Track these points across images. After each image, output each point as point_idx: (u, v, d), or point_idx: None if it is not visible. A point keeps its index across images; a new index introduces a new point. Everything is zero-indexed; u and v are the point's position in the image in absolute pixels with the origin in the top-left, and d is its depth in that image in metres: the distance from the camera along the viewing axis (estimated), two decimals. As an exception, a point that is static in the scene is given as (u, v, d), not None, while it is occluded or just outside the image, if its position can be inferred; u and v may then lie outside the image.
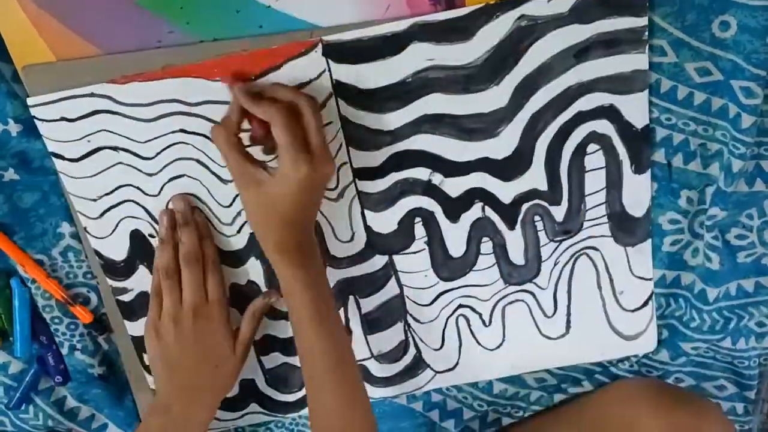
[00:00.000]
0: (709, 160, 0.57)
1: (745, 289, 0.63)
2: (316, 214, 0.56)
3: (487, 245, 0.61)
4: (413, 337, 0.64)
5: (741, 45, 0.52)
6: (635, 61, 0.54)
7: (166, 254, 0.56)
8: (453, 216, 0.59)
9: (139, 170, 0.56)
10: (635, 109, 0.55)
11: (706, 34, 0.52)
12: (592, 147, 0.57)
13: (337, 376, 0.54)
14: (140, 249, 0.59)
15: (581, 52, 0.53)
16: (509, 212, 0.59)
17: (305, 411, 0.68)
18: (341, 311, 0.63)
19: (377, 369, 0.66)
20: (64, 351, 0.63)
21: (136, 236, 0.59)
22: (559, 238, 0.61)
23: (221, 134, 0.51)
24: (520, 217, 0.59)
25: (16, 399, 0.64)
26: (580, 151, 0.57)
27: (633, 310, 0.64)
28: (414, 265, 0.61)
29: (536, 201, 0.59)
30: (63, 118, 0.53)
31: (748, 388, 0.69)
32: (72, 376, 0.64)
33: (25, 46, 0.51)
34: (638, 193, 0.59)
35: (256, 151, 0.53)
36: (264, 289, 0.62)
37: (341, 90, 0.54)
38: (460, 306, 0.63)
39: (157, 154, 0.55)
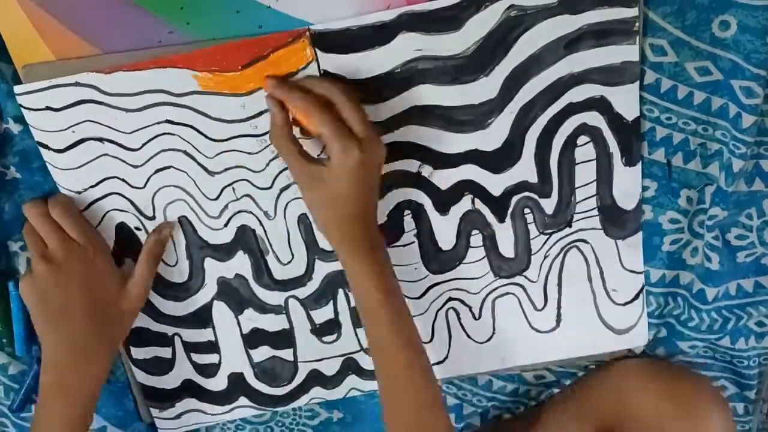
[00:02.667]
0: (709, 160, 0.57)
1: (745, 288, 0.63)
2: (376, 205, 0.54)
3: (476, 238, 0.60)
4: (403, 331, 0.64)
5: (741, 45, 0.51)
6: (626, 52, 0.53)
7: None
8: (442, 208, 0.59)
9: (124, 162, 0.55)
10: (626, 100, 0.55)
11: (706, 33, 0.52)
12: (582, 139, 0.57)
13: (414, 374, 0.54)
14: (127, 242, 0.59)
15: (571, 43, 0.53)
16: (499, 205, 0.59)
17: (295, 404, 0.67)
18: (330, 304, 0.62)
19: (367, 362, 0.65)
20: None
21: (123, 229, 0.58)
22: (549, 231, 0.60)
23: (279, 140, 0.51)
24: (509, 210, 0.59)
25: (19, 402, 0.64)
26: (570, 143, 0.57)
27: (624, 304, 0.63)
28: (403, 258, 0.61)
29: (526, 193, 0.58)
30: (48, 108, 0.53)
31: (748, 388, 0.69)
32: None
33: (25, 46, 0.51)
34: (629, 185, 0.58)
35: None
36: (252, 282, 0.61)
37: (329, 80, 0.53)
38: (450, 299, 0.63)
39: (143, 145, 0.55)
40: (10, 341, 0.61)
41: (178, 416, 0.67)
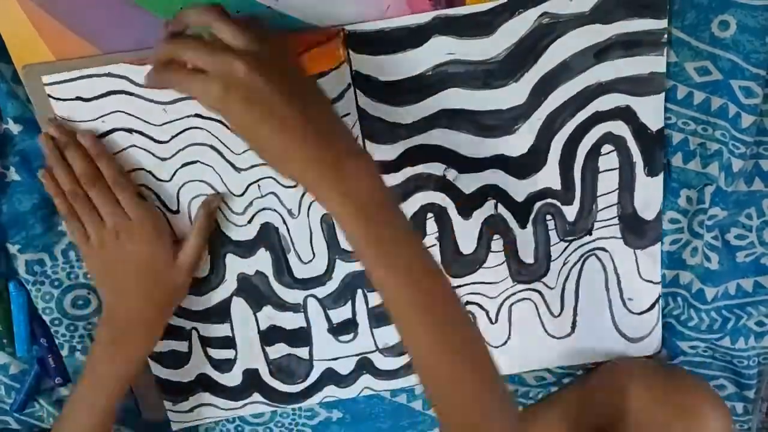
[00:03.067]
0: (709, 160, 0.57)
1: (744, 288, 0.63)
2: (331, 113, 0.46)
3: (497, 243, 0.60)
4: (419, 333, 0.64)
5: (740, 44, 0.52)
6: (653, 63, 0.54)
7: (62, 176, 0.53)
8: (465, 212, 0.59)
9: (152, 154, 0.55)
10: (651, 111, 0.56)
11: (705, 33, 0.53)
12: (606, 148, 0.57)
13: (461, 388, 0.46)
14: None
15: (601, 52, 0.53)
16: (521, 210, 0.59)
17: (307, 402, 0.67)
18: (348, 304, 0.63)
19: (382, 362, 0.65)
20: (64, 352, 0.63)
21: (146, 221, 0.58)
22: (569, 238, 0.61)
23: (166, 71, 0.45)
24: (531, 216, 0.59)
25: (20, 402, 0.64)
26: (594, 151, 0.57)
27: (639, 313, 0.64)
28: (423, 261, 0.61)
29: (549, 200, 0.59)
30: (78, 98, 0.53)
31: (748, 388, 0.69)
32: (72, 376, 0.64)
33: (25, 46, 0.51)
34: (650, 195, 0.59)
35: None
36: (272, 280, 0.61)
37: (360, 81, 0.53)
38: (468, 303, 0.63)
39: (172, 138, 0.54)
40: (11, 341, 0.61)
41: (191, 410, 0.67)
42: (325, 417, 0.70)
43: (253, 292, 0.61)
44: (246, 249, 0.60)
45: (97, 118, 0.54)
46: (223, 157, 0.56)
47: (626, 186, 0.59)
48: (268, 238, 0.59)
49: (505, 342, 0.65)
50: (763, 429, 0.74)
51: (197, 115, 0.54)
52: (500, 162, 0.57)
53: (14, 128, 0.54)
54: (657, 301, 0.63)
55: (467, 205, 0.59)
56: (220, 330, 0.63)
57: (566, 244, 0.61)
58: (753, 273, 0.63)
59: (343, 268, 0.61)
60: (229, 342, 0.64)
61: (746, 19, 0.51)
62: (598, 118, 0.56)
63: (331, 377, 0.66)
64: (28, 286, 0.60)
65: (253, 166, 0.56)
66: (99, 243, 0.54)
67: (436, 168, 0.57)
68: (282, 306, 0.62)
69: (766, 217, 0.60)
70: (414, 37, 0.52)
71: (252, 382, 0.66)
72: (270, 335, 0.64)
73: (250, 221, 0.58)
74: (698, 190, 0.59)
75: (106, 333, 0.57)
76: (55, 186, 0.54)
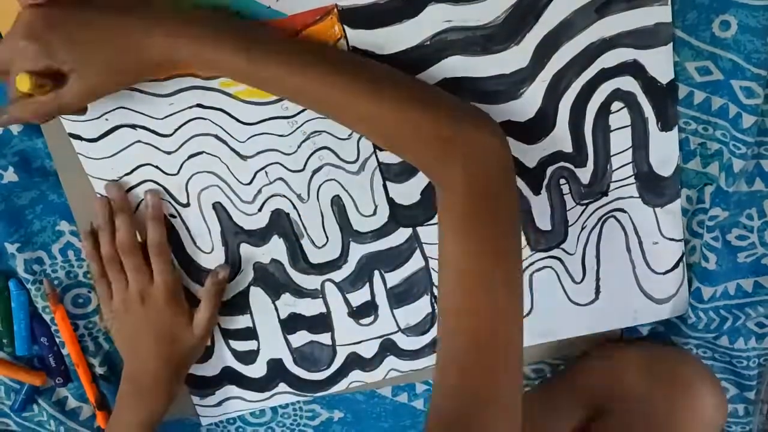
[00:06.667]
0: (709, 160, 0.57)
1: (744, 288, 0.62)
2: None
3: (512, 211, 0.59)
4: (441, 309, 0.64)
5: (741, 45, 0.51)
6: (658, 13, 0.52)
7: (105, 241, 0.57)
8: (476, 183, 0.58)
9: (157, 148, 0.55)
10: (659, 63, 0.54)
11: (706, 33, 0.52)
12: (616, 105, 0.56)
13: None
14: (162, 230, 0.59)
15: (602, 7, 0.52)
16: (534, 176, 0.58)
17: (334, 389, 0.67)
18: (366, 286, 0.62)
19: (405, 342, 0.65)
20: (65, 351, 0.63)
21: (158, 217, 0.58)
22: (585, 201, 0.59)
23: None
24: (545, 181, 0.58)
25: (20, 401, 0.65)
26: (604, 109, 0.56)
27: (664, 273, 0.62)
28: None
29: (561, 163, 0.58)
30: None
31: (748, 389, 0.68)
32: (73, 376, 0.65)
33: None
34: (665, 151, 0.57)
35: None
36: (288, 267, 0.61)
37: (359, 57, 0.53)
38: (487, 275, 0.62)
39: (175, 130, 0.55)
40: (11, 341, 0.62)
41: (219, 404, 0.67)
42: (326, 417, 0.70)
43: (271, 280, 0.61)
44: (259, 237, 0.59)
45: (100, 116, 0.54)
46: (228, 145, 0.55)
47: (640, 143, 0.57)
48: (280, 224, 0.59)
49: (529, 312, 0.64)
50: (764, 431, 0.72)
51: (199, 105, 0.54)
52: (508, 128, 0.56)
53: (14, 128, 0.55)
54: (681, 259, 0.62)
55: (478, 175, 0.58)
56: (240, 321, 0.63)
57: (583, 207, 0.60)
58: (753, 273, 0.62)
59: (357, 251, 0.60)
60: (250, 333, 0.64)
61: (747, 19, 0.50)
62: (605, 75, 0.55)
63: (355, 361, 0.66)
64: (27, 285, 0.60)
65: (258, 153, 0.56)
66: (122, 307, 0.58)
67: (443, 140, 0.56)
68: (300, 293, 0.62)
69: (767, 218, 0.59)
70: (409, 7, 0.51)
71: (277, 372, 0.66)
72: (291, 323, 0.63)
73: (260, 209, 0.58)
74: (698, 190, 0.58)
75: (129, 388, 0.60)
76: (93, 250, 0.58)
